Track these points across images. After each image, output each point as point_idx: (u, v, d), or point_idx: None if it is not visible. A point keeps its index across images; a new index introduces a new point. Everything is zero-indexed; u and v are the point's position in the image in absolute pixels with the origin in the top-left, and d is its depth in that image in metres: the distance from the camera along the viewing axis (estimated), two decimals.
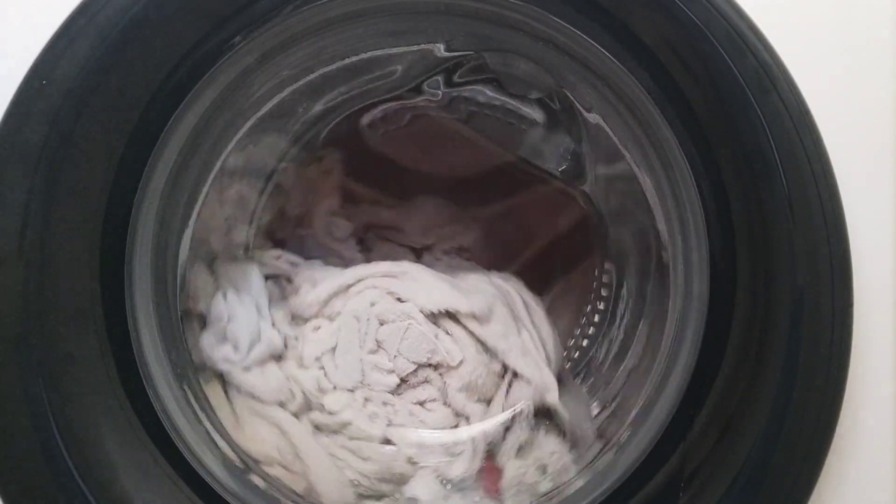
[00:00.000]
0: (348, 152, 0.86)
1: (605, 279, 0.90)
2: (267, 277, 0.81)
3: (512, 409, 0.76)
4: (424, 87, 0.79)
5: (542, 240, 0.93)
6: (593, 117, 0.71)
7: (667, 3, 0.61)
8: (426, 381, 0.77)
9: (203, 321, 0.75)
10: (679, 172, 0.64)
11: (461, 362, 0.76)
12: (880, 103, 0.70)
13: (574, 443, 0.76)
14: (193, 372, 0.70)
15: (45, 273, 0.60)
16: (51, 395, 0.60)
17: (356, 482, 0.73)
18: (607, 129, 0.70)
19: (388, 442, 0.75)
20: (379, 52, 0.71)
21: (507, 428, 0.76)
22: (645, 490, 0.63)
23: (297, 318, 0.78)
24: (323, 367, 0.76)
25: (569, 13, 0.63)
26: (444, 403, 0.77)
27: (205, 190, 0.71)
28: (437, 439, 0.76)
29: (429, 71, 0.77)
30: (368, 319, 0.76)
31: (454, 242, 0.92)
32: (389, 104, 0.81)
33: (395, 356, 0.76)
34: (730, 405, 0.62)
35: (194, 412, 0.67)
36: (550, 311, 0.85)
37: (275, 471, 0.71)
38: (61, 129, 0.60)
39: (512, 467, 0.75)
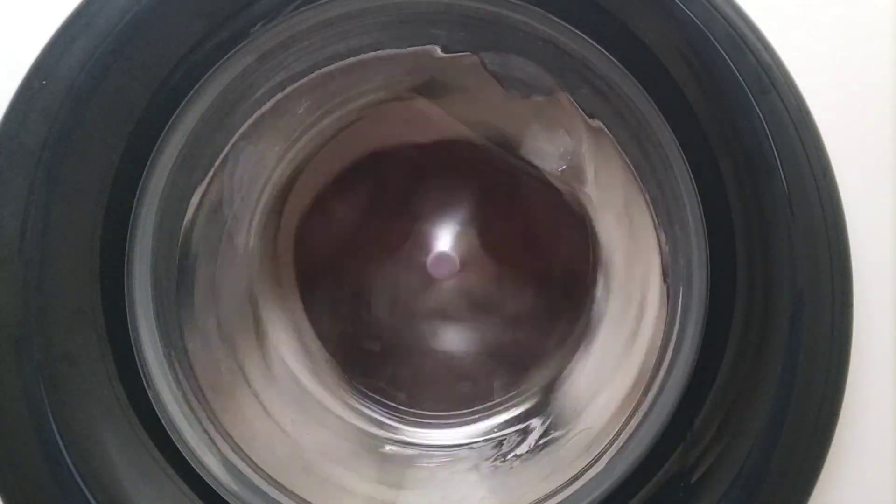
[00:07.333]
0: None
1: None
2: None
3: None
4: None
5: (541, 240, 0.92)
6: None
7: (667, 3, 0.61)
8: None
9: None
10: (679, 172, 0.64)
11: None
12: (880, 103, 0.70)
13: None
14: (193, 372, 0.70)
15: (44, 273, 0.60)
16: (51, 395, 0.60)
17: None
18: (607, 130, 0.70)
19: None
20: (379, 53, 0.71)
21: None
22: (645, 490, 0.63)
23: None
24: None
25: (569, 13, 0.63)
26: None
27: (204, 189, 0.71)
28: None
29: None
30: None
31: None
32: (388, 104, 0.80)
33: None
34: (730, 405, 0.62)
35: (194, 412, 0.67)
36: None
37: None
38: (61, 129, 0.60)
39: None
